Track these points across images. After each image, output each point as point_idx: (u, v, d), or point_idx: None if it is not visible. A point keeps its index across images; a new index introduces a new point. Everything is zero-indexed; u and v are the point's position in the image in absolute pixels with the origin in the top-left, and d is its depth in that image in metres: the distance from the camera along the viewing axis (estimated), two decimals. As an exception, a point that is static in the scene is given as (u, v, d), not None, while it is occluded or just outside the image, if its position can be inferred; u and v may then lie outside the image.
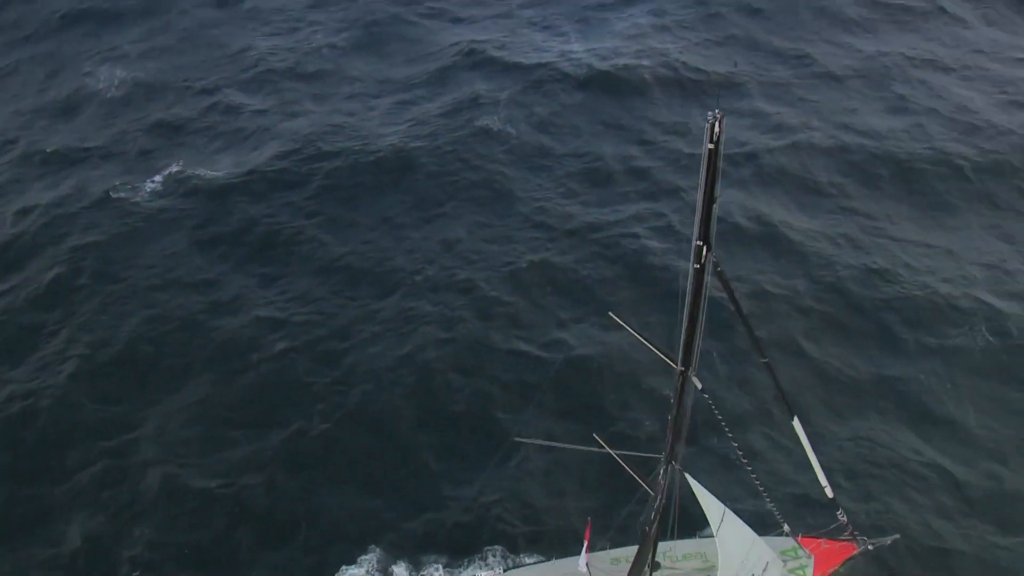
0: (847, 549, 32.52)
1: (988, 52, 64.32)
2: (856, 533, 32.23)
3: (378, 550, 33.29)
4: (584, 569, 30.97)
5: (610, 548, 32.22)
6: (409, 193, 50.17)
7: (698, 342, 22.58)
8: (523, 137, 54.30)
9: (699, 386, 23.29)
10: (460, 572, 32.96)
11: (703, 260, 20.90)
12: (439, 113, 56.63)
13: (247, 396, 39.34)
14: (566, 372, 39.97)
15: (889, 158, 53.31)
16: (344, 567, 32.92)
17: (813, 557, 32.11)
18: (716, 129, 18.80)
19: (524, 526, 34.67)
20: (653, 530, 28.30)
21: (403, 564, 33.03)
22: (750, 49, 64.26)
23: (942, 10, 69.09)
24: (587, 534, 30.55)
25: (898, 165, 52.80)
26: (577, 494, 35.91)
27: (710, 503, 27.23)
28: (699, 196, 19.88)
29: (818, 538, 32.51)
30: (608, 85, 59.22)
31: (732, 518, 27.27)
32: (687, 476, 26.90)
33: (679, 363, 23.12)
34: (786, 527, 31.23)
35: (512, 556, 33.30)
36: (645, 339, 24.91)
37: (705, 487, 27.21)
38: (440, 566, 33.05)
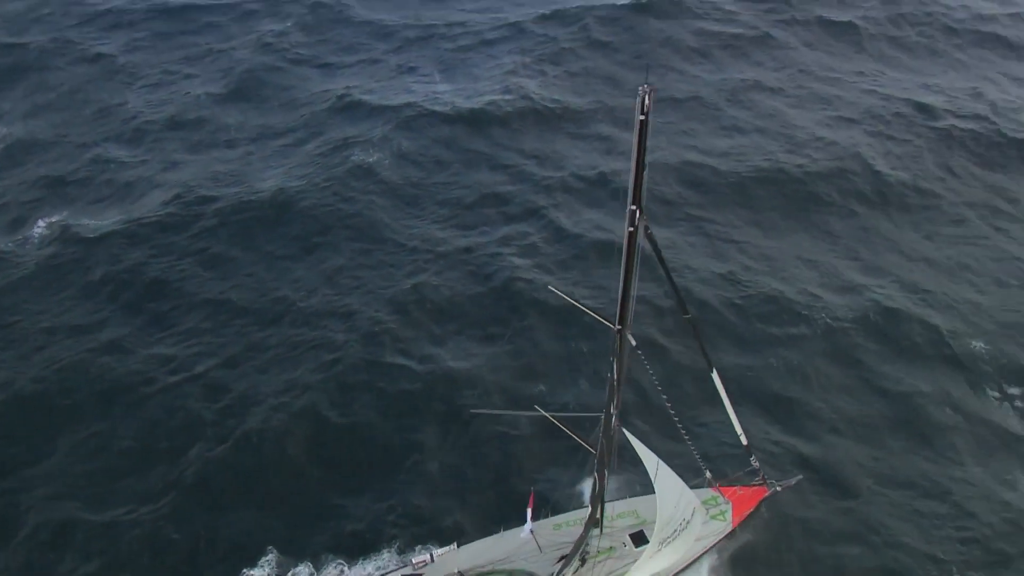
0: (759, 492, 35.51)
1: (810, 72, 68.62)
2: (766, 477, 35.11)
3: (276, 552, 33.99)
4: (529, 536, 33.19)
5: (552, 516, 34.55)
6: (290, 229, 50.85)
7: (632, 301, 24.13)
8: (396, 171, 55.59)
9: (633, 343, 24.86)
10: (359, 567, 33.84)
11: (636, 223, 22.43)
12: (315, 154, 57.51)
13: (141, 428, 39.44)
14: (447, 382, 41.20)
15: (730, 172, 56.48)
16: (245, 570, 33.51)
17: (731, 503, 34.97)
18: (647, 101, 20.25)
19: (416, 526, 35.77)
20: (601, 486, 30.21)
21: (304, 565, 33.77)
22: (601, 79, 67.05)
23: (769, 35, 73.30)
24: (531, 503, 32.65)
25: (737, 177, 55.93)
26: (467, 492, 37.13)
27: (646, 455, 29.00)
28: (632, 164, 21.37)
29: (733, 486, 35.38)
30: (473, 120, 61.02)
31: (665, 468, 29.18)
32: (623, 431, 28.77)
33: (616, 322, 24.66)
34: (708, 473, 33.88)
35: (409, 551, 34.21)
36: (583, 305, 26.87)
37: (640, 440, 29.11)
38: (341, 563, 33.83)
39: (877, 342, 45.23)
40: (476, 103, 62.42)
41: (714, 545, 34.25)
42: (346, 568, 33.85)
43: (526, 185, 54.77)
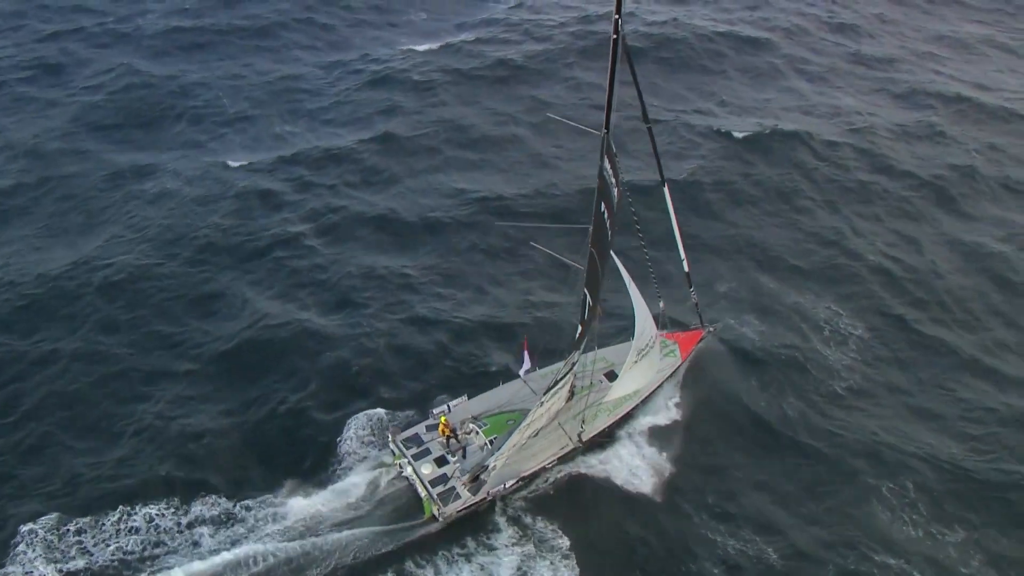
0: (697, 334, 44.48)
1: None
2: (703, 319, 43.92)
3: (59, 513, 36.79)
4: (523, 384, 40.78)
5: (539, 368, 41.55)
6: (116, 298, 49.91)
7: (614, 105, 30.33)
8: (196, 226, 55.94)
9: (614, 149, 31.20)
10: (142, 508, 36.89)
11: (619, 31, 28.66)
12: (129, 224, 56.81)
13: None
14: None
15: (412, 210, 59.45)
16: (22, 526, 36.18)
17: (677, 344, 43.68)
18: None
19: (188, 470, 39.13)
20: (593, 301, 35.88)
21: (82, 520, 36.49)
22: (384, 113, 71.46)
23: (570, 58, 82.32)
24: (525, 347, 39.95)
25: (421, 217, 58.37)
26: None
27: (623, 270, 36.53)
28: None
29: (675, 333, 44.20)
30: (276, 169, 62.73)
31: (635, 291, 37.08)
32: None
33: (602, 128, 30.91)
34: (661, 304, 41.77)
35: (185, 505, 37.10)
36: (574, 121, 33.96)
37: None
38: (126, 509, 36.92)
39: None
40: (260, 164, 64.15)
41: (670, 375, 42.70)
42: (130, 513, 36.78)
43: (311, 230, 56.70)
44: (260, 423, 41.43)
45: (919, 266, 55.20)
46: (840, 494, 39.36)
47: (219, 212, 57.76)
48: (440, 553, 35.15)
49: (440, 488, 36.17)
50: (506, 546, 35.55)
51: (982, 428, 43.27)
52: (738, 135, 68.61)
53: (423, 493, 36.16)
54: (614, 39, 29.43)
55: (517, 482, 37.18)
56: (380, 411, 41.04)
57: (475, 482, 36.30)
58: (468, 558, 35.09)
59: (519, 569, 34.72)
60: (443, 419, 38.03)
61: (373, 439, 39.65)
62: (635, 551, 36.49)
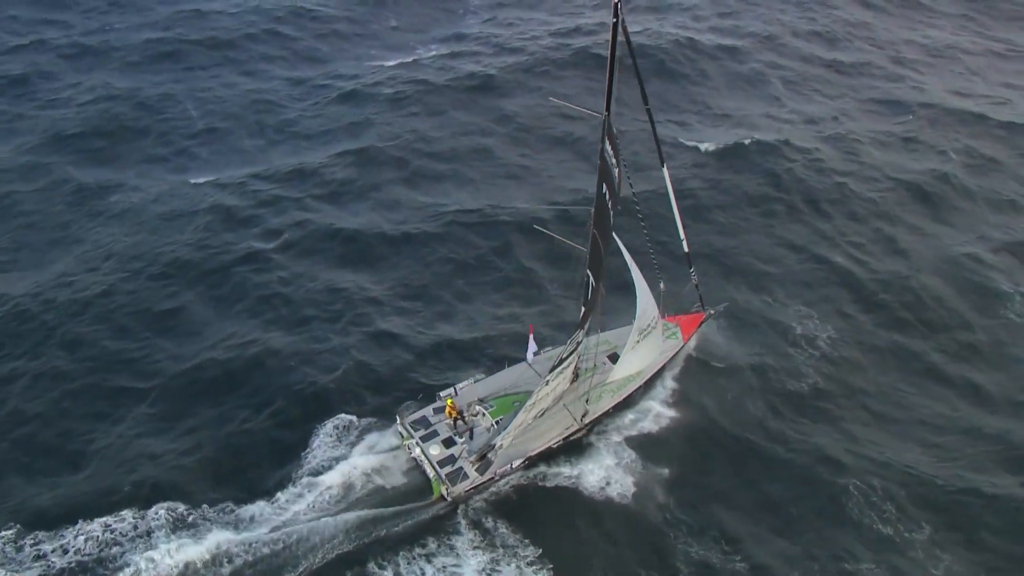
0: (698, 317, 45.21)
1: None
2: (704, 303, 44.74)
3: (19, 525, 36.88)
4: (532, 357, 41.66)
5: (543, 350, 42.63)
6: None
7: (615, 88, 31.06)
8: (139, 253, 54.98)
9: (615, 131, 31.78)
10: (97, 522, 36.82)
11: (619, 14, 29.61)
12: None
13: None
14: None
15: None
16: None
17: (679, 326, 44.49)
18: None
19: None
20: (597, 285, 36.60)
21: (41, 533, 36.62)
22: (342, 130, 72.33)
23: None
24: (531, 333, 41.15)
25: (391, 231, 57.92)
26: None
27: (624, 252, 37.09)
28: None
29: (677, 315, 44.88)
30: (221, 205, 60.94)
31: (637, 272, 37.74)
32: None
33: (604, 110, 31.49)
34: (662, 285, 41.91)
35: (144, 511, 37.28)
36: (575, 104, 34.77)
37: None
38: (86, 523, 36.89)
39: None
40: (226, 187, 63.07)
41: (673, 356, 43.57)
42: (90, 526, 36.83)
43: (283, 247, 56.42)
44: (227, 438, 41.49)
45: (891, 271, 55.77)
46: (809, 500, 39.51)
47: (186, 228, 57.39)
48: (401, 554, 35.25)
49: (448, 468, 36.83)
50: (468, 549, 35.67)
51: (949, 435, 43.64)
52: (711, 142, 69.39)
53: (431, 474, 36.87)
54: (614, 22, 30.32)
55: (524, 462, 37.89)
56: (349, 417, 41.23)
57: (483, 461, 36.91)
58: (429, 558, 35.16)
59: (483, 571, 34.86)
60: (449, 401, 38.89)
61: (338, 443, 39.92)
62: (603, 560, 36.54)
